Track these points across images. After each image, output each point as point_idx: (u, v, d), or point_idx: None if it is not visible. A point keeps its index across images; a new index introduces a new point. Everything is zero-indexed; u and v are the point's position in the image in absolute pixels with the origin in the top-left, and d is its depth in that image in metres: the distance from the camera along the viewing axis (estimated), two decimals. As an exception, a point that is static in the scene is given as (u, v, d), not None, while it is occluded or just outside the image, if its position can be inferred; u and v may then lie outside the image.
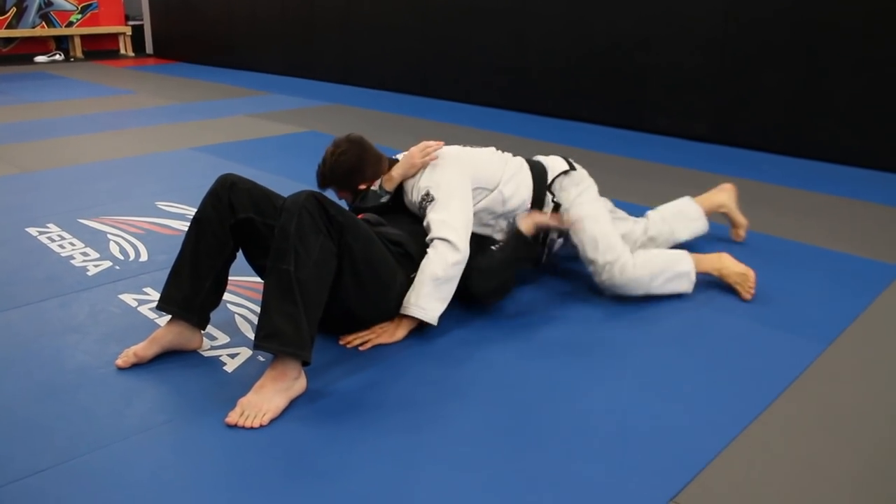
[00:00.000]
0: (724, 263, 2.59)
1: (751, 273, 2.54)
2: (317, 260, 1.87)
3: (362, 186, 2.48)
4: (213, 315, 2.18)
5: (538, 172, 2.60)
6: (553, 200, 2.58)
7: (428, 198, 2.36)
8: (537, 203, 2.56)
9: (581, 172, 2.66)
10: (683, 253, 2.58)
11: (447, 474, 1.62)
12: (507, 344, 2.21)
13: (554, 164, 2.66)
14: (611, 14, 5.43)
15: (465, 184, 2.41)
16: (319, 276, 1.88)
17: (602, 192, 2.69)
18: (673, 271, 2.50)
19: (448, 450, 1.70)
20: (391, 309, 2.19)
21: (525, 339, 2.25)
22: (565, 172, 2.61)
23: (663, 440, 1.74)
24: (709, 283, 2.59)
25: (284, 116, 5.99)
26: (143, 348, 2.06)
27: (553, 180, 2.60)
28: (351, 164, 2.45)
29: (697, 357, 2.14)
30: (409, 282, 2.20)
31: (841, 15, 4.32)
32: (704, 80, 5.00)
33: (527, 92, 6.12)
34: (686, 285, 2.53)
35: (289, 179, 3.90)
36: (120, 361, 2.04)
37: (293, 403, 1.86)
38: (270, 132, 5.36)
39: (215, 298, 2.14)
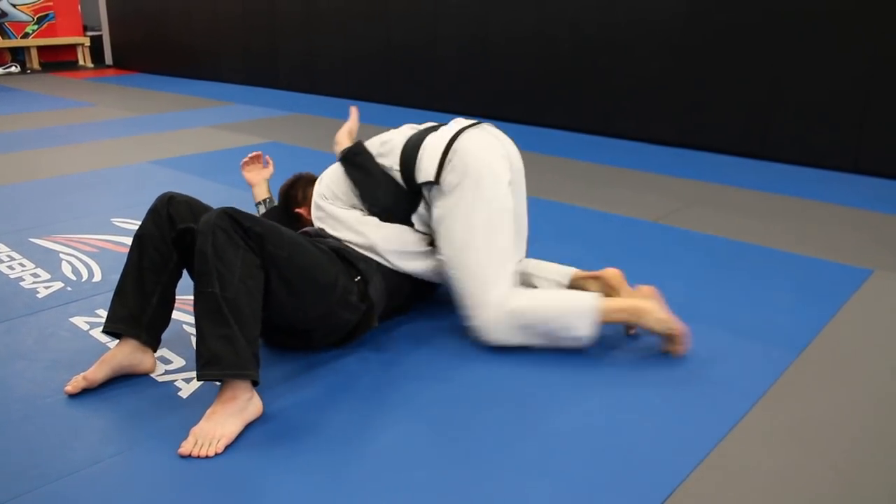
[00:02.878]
0: (641, 308, 2.08)
1: (677, 326, 2.09)
2: (241, 276, 1.80)
3: (298, 210, 2.57)
4: (167, 336, 2.10)
5: (407, 158, 2.19)
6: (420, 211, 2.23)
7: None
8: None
9: (470, 156, 2.10)
10: (588, 298, 2.08)
11: (407, 501, 1.55)
12: (469, 360, 2.13)
13: (432, 145, 2.16)
14: (575, 19, 5.41)
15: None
16: (248, 292, 1.81)
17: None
18: (562, 324, 2.05)
19: (406, 474, 1.63)
20: (336, 312, 2.06)
21: (486, 353, 2.16)
22: (441, 163, 2.11)
23: (632, 460, 1.69)
24: (668, 290, 2.55)
25: (246, 127, 5.89)
26: (92, 372, 1.97)
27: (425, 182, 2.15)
28: (283, 190, 2.62)
29: (665, 369, 2.09)
30: (355, 284, 2.10)
31: (804, 18, 4.34)
32: (669, 84, 5.00)
33: (492, 98, 6.08)
34: (572, 343, 2.09)
35: (249, 192, 3.81)
36: (69, 387, 1.95)
37: (250, 427, 1.79)
38: (232, 143, 5.26)
39: (164, 317, 2.07)
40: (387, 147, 2.28)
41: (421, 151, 2.17)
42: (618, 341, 2.24)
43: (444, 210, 2.13)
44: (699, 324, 2.35)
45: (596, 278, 2.28)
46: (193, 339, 2.23)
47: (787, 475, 1.64)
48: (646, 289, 2.21)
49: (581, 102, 5.52)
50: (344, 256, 2.15)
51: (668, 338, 2.11)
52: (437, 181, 2.12)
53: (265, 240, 1.87)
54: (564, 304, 2.07)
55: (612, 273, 2.27)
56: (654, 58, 5.04)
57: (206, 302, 1.78)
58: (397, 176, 2.23)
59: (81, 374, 1.97)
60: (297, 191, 2.59)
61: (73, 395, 1.94)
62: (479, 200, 2.09)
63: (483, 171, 2.11)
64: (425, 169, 2.15)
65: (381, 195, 2.23)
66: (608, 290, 2.25)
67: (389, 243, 2.20)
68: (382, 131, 2.38)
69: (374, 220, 2.25)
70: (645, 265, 2.84)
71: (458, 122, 2.32)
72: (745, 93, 4.66)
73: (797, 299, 2.55)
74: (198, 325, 1.79)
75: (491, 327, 2.07)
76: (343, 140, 2.40)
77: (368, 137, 2.38)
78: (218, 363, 1.75)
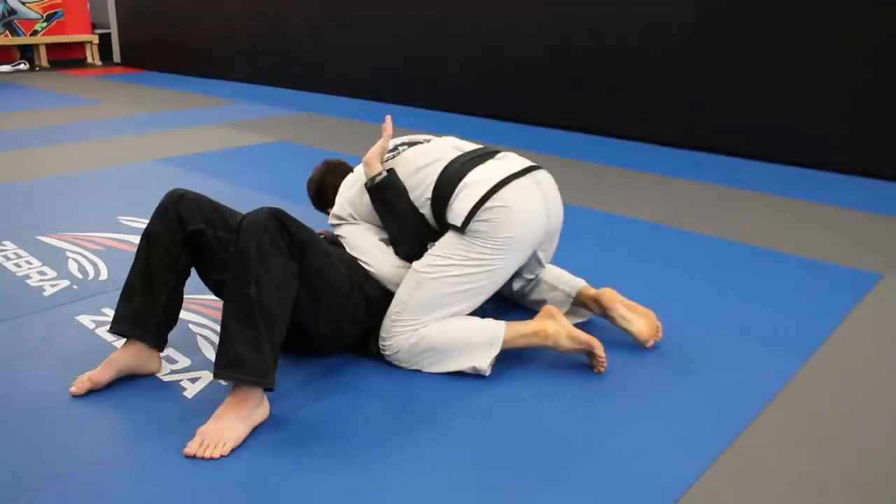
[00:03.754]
0: (546, 330, 2.04)
1: (590, 339, 2.03)
2: (279, 282, 1.78)
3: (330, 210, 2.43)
4: (173, 336, 2.09)
5: (442, 191, 2.10)
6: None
7: None
8: None
9: (504, 217, 1.99)
10: (493, 330, 2.03)
11: (417, 505, 1.54)
12: (482, 375, 2.10)
13: (473, 185, 2.05)
14: (582, 20, 5.39)
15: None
16: (282, 299, 1.79)
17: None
18: (461, 354, 2.02)
19: (411, 479, 1.62)
20: (345, 326, 2.05)
21: (497, 368, 2.09)
22: (473, 212, 2.00)
23: (641, 464, 1.67)
24: (675, 293, 2.53)
25: (254, 126, 5.89)
26: (98, 373, 1.96)
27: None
28: (314, 188, 2.54)
29: (674, 372, 2.08)
30: (364, 297, 2.06)
31: (811, 20, 4.32)
32: (676, 86, 4.98)
33: (500, 98, 6.07)
34: (471, 371, 2.03)
35: (255, 191, 3.82)
36: (74, 388, 1.93)
37: (255, 431, 1.77)
38: (239, 142, 5.26)
39: (171, 318, 2.05)
40: (422, 174, 2.13)
41: (460, 188, 2.03)
42: (621, 347, 2.22)
43: (449, 241, 2.04)
44: (706, 327, 2.34)
45: (594, 299, 2.24)
46: (200, 340, 2.24)
47: (795, 481, 1.63)
48: (549, 308, 2.10)
49: (588, 103, 5.49)
50: (356, 271, 2.10)
51: (587, 353, 2.05)
52: (462, 230, 2.01)
53: (306, 247, 1.85)
54: (466, 336, 2.01)
55: (603, 294, 2.22)
56: (661, 59, 5.02)
57: (240, 303, 1.75)
58: (426, 207, 2.11)
59: (87, 374, 1.96)
60: (328, 189, 2.48)
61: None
62: (483, 264, 2.01)
63: (506, 239, 2.00)
64: (457, 211, 2.02)
65: (407, 241, 2.14)
66: (602, 311, 2.22)
67: (399, 278, 2.11)
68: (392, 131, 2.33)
69: (387, 248, 2.17)
70: (651, 267, 2.83)
71: (509, 162, 2.15)
72: (752, 95, 4.63)
73: (806, 303, 2.53)
74: (225, 324, 1.77)
75: (398, 347, 2.04)
76: (374, 163, 2.14)
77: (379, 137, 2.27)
78: (240, 367, 1.73)
